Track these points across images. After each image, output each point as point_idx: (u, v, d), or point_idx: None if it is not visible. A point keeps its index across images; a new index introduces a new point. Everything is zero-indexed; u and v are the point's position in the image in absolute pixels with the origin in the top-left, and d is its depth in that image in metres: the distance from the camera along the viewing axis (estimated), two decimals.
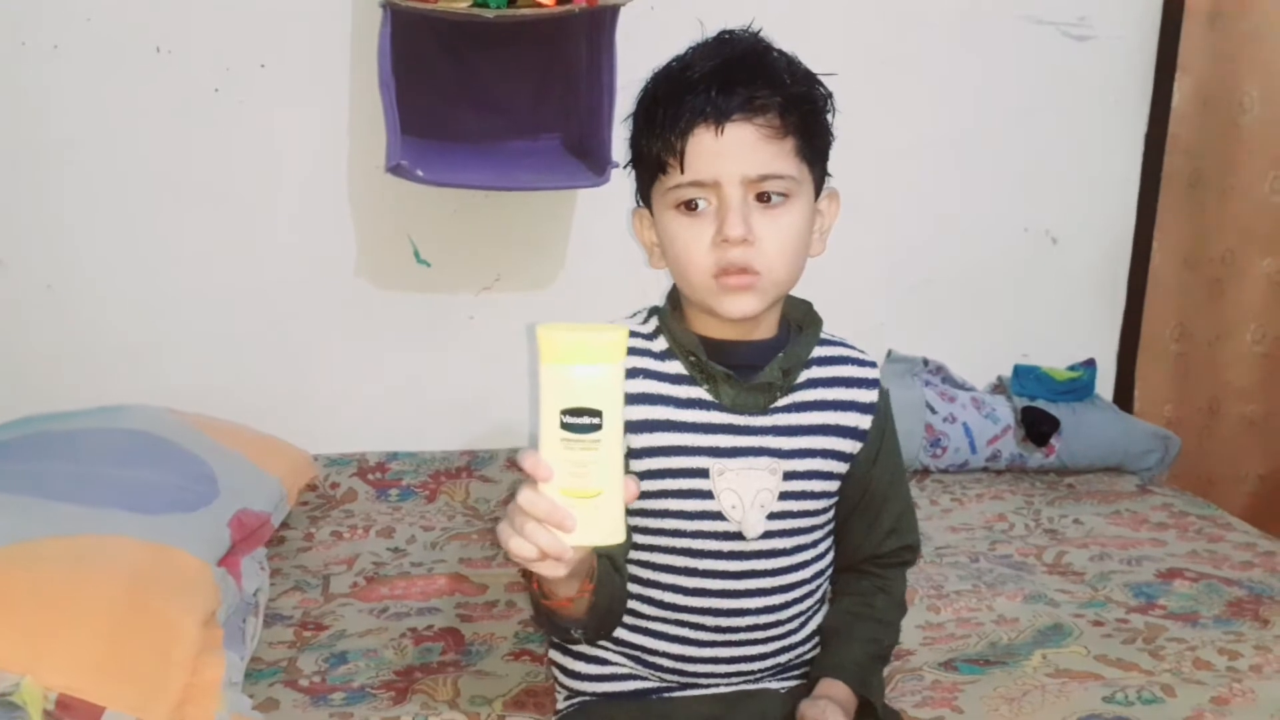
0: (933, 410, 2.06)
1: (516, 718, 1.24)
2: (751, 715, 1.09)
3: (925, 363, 2.17)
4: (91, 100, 1.87)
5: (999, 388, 2.21)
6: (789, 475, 1.06)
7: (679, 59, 1.03)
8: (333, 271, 2.00)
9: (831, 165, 1.07)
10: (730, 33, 1.04)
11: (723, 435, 1.05)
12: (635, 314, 1.12)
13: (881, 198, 2.06)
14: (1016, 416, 2.08)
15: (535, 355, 0.81)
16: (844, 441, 1.09)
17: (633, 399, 1.03)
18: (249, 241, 1.97)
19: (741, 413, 1.05)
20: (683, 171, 0.99)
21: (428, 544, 1.72)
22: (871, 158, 1.91)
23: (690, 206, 1.00)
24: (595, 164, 1.83)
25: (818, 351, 1.10)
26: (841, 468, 1.10)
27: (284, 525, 1.71)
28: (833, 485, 1.10)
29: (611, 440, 0.80)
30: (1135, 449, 2.09)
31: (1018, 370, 2.18)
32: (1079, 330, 2.27)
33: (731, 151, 0.98)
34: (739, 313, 1.01)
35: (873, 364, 1.13)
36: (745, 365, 1.05)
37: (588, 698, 1.14)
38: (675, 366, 1.06)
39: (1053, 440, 2.06)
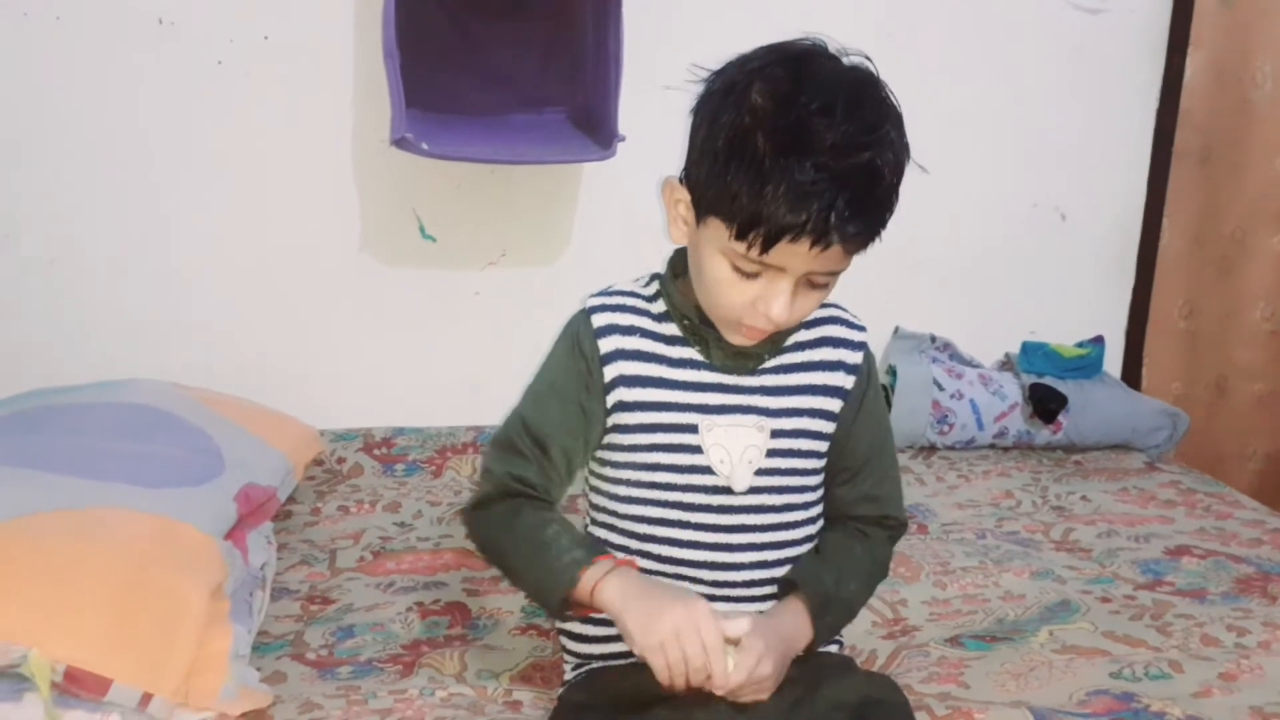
0: (940, 387, 2.05)
1: (524, 691, 1.24)
2: None
3: (933, 339, 2.16)
4: (94, 72, 1.86)
5: (1007, 364, 2.20)
6: (776, 433, 1.10)
7: (794, 93, 0.94)
8: (337, 246, 1.99)
9: None
10: (854, 69, 0.99)
11: (712, 393, 1.09)
12: (638, 279, 1.15)
13: None
14: (1024, 393, 2.07)
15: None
16: (830, 401, 1.13)
17: (629, 355, 1.09)
18: (252, 215, 1.96)
19: (731, 372, 1.10)
20: (762, 254, 0.97)
21: (434, 519, 1.72)
22: None
23: (746, 272, 1.00)
24: (601, 137, 1.81)
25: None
26: (829, 427, 1.13)
27: (290, 500, 1.71)
28: (821, 445, 1.14)
29: None
30: (1143, 426, 2.08)
31: (1025, 347, 2.17)
32: (1087, 307, 2.26)
33: (817, 259, 0.98)
34: (744, 345, 1.07)
35: (862, 327, 1.17)
36: None
37: (595, 663, 1.15)
38: (671, 328, 1.11)
39: (1060, 417, 2.05)
